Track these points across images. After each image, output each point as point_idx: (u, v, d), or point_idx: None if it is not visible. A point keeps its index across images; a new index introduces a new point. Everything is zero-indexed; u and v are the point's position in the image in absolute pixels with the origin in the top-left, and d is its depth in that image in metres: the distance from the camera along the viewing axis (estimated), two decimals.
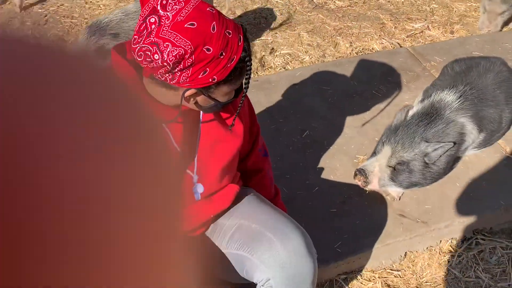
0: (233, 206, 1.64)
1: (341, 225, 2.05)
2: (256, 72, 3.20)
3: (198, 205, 1.56)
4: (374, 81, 2.78)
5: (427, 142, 2.03)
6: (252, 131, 1.78)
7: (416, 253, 2.14)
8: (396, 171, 2.04)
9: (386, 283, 2.05)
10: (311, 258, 1.44)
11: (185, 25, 1.15)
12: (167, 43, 1.14)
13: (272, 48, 3.40)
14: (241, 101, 1.43)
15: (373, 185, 2.06)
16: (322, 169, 2.29)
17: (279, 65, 3.27)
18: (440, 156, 2.04)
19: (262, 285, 1.47)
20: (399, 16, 3.76)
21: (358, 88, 2.73)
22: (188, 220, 1.55)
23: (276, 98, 2.67)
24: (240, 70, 1.27)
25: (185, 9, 1.18)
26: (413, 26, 3.65)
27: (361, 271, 2.07)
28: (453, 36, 3.50)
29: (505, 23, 3.49)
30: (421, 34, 3.59)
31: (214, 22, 1.18)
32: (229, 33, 1.21)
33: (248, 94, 3.02)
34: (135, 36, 1.18)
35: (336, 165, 2.30)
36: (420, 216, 2.09)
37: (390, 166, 2.04)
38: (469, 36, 3.33)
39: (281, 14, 3.72)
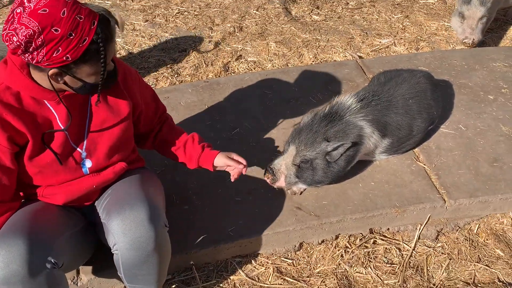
0: (118, 181, 1.87)
1: (240, 212, 2.24)
2: (219, 76, 3.45)
3: (85, 178, 1.79)
4: (314, 88, 2.95)
5: (328, 141, 2.19)
6: (157, 113, 2.02)
7: (312, 245, 2.29)
8: (301, 169, 2.20)
9: (278, 269, 2.22)
10: (151, 226, 1.63)
11: (39, 11, 1.40)
12: (22, 26, 1.39)
13: (240, 55, 3.63)
14: (99, 83, 1.59)
15: (281, 182, 2.22)
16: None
17: (242, 71, 3.49)
18: (341, 155, 2.19)
19: (112, 250, 1.69)
20: (370, 31, 3.92)
21: (297, 94, 2.92)
22: (74, 191, 1.77)
23: (218, 98, 2.89)
24: (95, 52, 1.49)
25: (45, 0, 1.43)
26: (380, 42, 3.79)
27: (256, 256, 2.24)
28: (417, 53, 3.62)
29: (485, 32, 3.61)
30: (386, 49, 3.73)
31: (65, 9, 1.42)
32: (81, 18, 1.45)
33: (194, 92, 3.31)
34: (5, 25, 1.45)
35: (254, 160, 2.49)
36: (314, 210, 2.25)
37: (295, 164, 2.21)
38: (421, 52, 3.44)
39: (256, 25, 3.95)
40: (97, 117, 1.75)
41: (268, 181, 2.23)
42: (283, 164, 2.22)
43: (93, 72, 1.55)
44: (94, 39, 1.47)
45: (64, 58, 1.45)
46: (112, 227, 1.65)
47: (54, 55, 1.44)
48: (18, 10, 1.42)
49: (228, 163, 1.99)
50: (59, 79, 1.54)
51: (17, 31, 1.40)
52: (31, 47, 1.42)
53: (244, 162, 2.02)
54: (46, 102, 1.63)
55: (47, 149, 1.65)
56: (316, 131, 2.21)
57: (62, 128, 1.66)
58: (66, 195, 1.76)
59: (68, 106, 1.65)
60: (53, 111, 1.65)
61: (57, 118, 1.66)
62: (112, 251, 1.68)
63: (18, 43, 1.40)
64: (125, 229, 1.62)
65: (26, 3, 1.43)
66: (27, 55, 1.44)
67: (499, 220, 2.44)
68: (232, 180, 2.04)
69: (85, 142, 1.74)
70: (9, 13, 1.45)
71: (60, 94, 1.62)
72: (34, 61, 1.46)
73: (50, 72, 1.50)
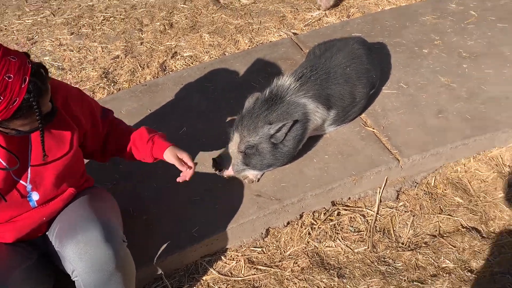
0: (66, 206, 1.78)
1: (201, 212, 2.19)
2: (157, 77, 3.35)
3: (33, 212, 1.69)
4: (254, 73, 2.92)
5: (270, 124, 2.17)
6: (98, 132, 1.93)
7: (278, 229, 2.28)
8: (247, 155, 2.18)
9: (249, 260, 2.19)
10: (108, 245, 1.57)
11: None
12: None
13: (175, 52, 3.55)
14: (41, 132, 1.53)
15: (229, 171, 2.20)
16: (194, 162, 2.43)
17: (179, 68, 3.41)
18: (286, 134, 2.17)
19: (72, 277, 1.61)
20: (300, 7, 3.91)
21: (238, 82, 2.88)
22: (23, 227, 1.68)
23: (160, 100, 2.81)
24: (28, 107, 1.40)
25: None
26: (311, 15, 3.79)
27: (225, 251, 2.21)
28: (349, 20, 3.64)
29: None
30: (319, 21, 3.73)
31: None
32: (10, 77, 1.34)
33: (134, 98, 3.16)
34: None
35: (206, 157, 2.44)
36: (275, 194, 2.23)
37: (240, 152, 2.18)
38: (353, 19, 3.47)
39: (186, 19, 3.87)
40: (39, 147, 1.65)
41: (216, 172, 2.20)
42: (229, 153, 2.20)
43: (28, 122, 1.47)
44: (25, 98, 1.38)
45: None
46: (67, 254, 1.58)
47: None
48: None
49: (175, 163, 1.92)
50: None
51: None
52: None
53: (191, 165, 1.94)
54: None
55: None
56: (257, 115, 2.19)
57: (5, 165, 1.56)
58: (15, 232, 1.66)
59: (5, 140, 1.55)
60: None
61: None
62: (72, 278, 1.61)
63: None
64: (81, 253, 1.55)
65: None
66: None
67: (453, 169, 2.50)
68: (177, 180, 1.97)
69: (29, 174, 1.64)
70: None
71: None
72: None
73: None
